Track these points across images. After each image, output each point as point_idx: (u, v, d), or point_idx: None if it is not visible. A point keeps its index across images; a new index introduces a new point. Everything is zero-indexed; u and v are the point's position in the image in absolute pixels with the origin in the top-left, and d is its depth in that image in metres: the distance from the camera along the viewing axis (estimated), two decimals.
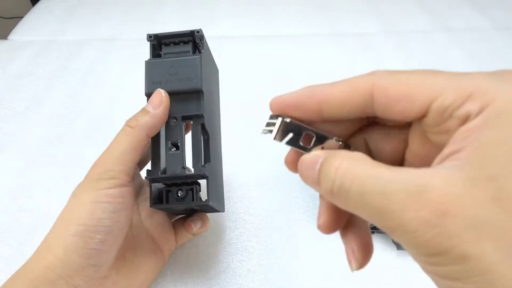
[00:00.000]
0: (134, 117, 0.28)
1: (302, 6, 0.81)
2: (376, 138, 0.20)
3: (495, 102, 0.15)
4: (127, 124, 0.28)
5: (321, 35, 0.71)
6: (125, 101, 0.57)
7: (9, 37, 0.74)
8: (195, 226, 0.33)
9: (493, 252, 0.13)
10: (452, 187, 0.14)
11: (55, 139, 0.51)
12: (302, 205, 0.41)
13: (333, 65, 0.64)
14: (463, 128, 0.15)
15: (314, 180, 0.17)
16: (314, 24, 0.75)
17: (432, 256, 0.14)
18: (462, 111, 0.15)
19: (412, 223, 0.14)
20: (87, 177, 0.27)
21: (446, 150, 0.15)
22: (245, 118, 0.49)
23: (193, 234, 0.34)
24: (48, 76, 0.62)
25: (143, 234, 0.31)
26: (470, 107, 0.15)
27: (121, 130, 0.28)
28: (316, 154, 0.18)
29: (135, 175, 0.30)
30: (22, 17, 0.81)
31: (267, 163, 0.45)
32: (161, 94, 0.28)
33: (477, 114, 0.15)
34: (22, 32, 0.76)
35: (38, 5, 0.85)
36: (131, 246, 0.30)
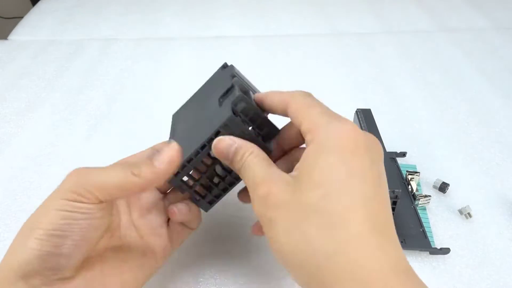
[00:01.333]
0: (140, 165, 0.27)
1: (302, 6, 0.81)
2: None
3: (318, 136, 0.24)
4: (131, 169, 0.26)
5: (321, 35, 0.71)
6: (125, 101, 0.57)
7: (9, 37, 0.75)
8: (180, 212, 0.31)
9: (279, 220, 0.23)
10: (282, 184, 0.24)
11: (55, 139, 0.51)
12: None
13: (333, 65, 0.64)
14: (304, 151, 0.24)
15: (228, 157, 0.27)
16: (314, 24, 0.75)
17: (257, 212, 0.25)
18: (306, 140, 0.25)
19: (256, 196, 0.25)
20: (60, 184, 0.27)
21: (296, 164, 0.25)
22: None
23: (181, 222, 0.33)
24: (48, 76, 0.62)
25: (132, 234, 0.31)
26: (307, 138, 0.24)
27: (120, 167, 0.27)
28: (232, 138, 0.27)
29: None
30: (22, 17, 0.81)
31: None
32: (173, 151, 0.27)
33: (309, 143, 0.24)
34: (22, 32, 0.76)
35: (38, 5, 0.86)
36: (114, 246, 0.30)
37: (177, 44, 0.69)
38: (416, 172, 0.41)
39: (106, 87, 0.60)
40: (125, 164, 0.27)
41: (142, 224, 0.32)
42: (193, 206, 0.32)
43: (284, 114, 0.28)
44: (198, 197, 0.32)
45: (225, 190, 0.31)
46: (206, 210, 0.33)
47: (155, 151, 0.27)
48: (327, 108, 0.26)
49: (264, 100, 0.29)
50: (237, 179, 0.30)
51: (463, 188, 0.43)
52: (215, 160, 0.30)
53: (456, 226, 0.39)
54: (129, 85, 0.60)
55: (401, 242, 0.36)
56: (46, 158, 0.48)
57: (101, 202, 0.26)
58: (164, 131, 0.52)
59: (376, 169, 0.23)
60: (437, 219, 0.40)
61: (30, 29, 0.77)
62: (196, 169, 0.30)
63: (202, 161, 0.29)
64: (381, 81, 0.60)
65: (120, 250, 0.30)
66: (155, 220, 0.32)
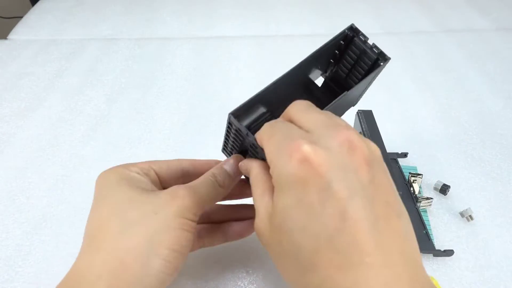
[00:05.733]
0: (221, 175, 0.28)
1: (302, 6, 0.81)
2: None
3: (273, 176, 0.22)
4: (217, 180, 0.28)
5: (322, 36, 0.71)
6: (125, 101, 0.57)
7: (9, 36, 0.74)
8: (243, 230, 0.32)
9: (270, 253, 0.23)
10: (264, 218, 0.23)
11: (54, 139, 0.50)
12: None
13: None
14: None
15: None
16: (314, 25, 0.75)
17: None
18: None
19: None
20: (173, 200, 0.25)
21: None
22: None
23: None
24: (48, 76, 0.62)
25: None
26: (271, 172, 0.22)
27: (210, 180, 0.28)
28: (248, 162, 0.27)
29: None
30: (22, 17, 0.81)
31: None
32: (239, 160, 0.29)
33: (272, 178, 0.22)
34: (22, 32, 0.76)
35: (38, 5, 0.85)
36: None
37: (177, 44, 0.69)
38: (419, 174, 0.41)
39: (106, 87, 0.60)
40: (208, 176, 0.28)
41: None
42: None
43: None
44: None
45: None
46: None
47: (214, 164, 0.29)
48: (287, 132, 0.22)
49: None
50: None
51: (464, 190, 0.43)
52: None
53: (457, 228, 0.39)
54: (129, 85, 0.60)
55: None
56: (46, 158, 0.48)
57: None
58: (164, 131, 0.51)
59: (341, 192, 0.19)
60: (438, 221, 0.40)
61: (30, 28, 0.77)
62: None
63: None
64: (382, 81, 0.60)
65: None
66: None
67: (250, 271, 0.36)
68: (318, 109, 0.24)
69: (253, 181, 0.25)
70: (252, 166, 0.26)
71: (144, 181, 0.27)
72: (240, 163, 0.28)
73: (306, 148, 0.20)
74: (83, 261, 0.24)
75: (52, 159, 0.48)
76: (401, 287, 0.18)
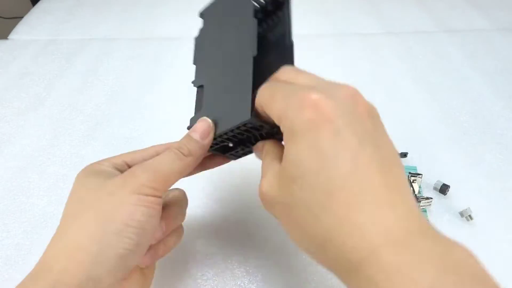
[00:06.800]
0: (185, 145, 0.28)
1: (303, 6, 0.81)
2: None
3: (285, 124, 0.22)
4: (180, 151, 0.27)
5: (322, 36, 0.71)
6: (125, 101, 0.57)
7: (10, 36, 0.74)
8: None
9: (278, 217, 0.24)
10: (271, 178, 0.24)
11: (55, 139, 0.51)
12: None
13: (334, 66, 0.64)
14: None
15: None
16: (315, 25, 0.75)
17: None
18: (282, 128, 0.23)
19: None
20: (129, 179, 0.26)
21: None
22: None
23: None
24: (48, 76, 0.62)
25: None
26: (281, 127, 0.23)
27: (172, 153, 0.27)
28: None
29: None
30: (22, 17, 0.81)
31: None
32: (207, 123, 0.28)
33: (283, 132, 0.23)
34: (23, 32, 0.76)
35: (38, 5, 0.85)
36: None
37: (177, 44, 0.69)
38: (419, 174, 0.41)
39: (106, 87, 0.60)
40: (169, 149, 0.28)
41: None
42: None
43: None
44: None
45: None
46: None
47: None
48: (290, 87, 0.23)
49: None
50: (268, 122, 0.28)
51: (464, 190, 0.43)
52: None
53: (457, 228, 0.39)
54: (129, 85, 0.60)
55: None
56: (46, 158, 0.48)
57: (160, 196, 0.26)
58: (163, 131, 0.51)
59: (355, 131, 0.20)
60: (438, 221, 0.40)
61: (30, 28, 0.77)
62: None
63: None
64: (382, 81, 0.60)
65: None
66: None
67: (250, 271, 0.36)
68: (310, 72, 0.25)
69: (266, 150, 0.26)
70: (264, 143, 0.27)
71: (113, 173, 0.28)
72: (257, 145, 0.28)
73: (316, 96, 0.21)
74: (46, 251, 0.25)
75: (52, 159, 0.48)
76: (411, 223, 0.20)
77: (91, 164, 0.29)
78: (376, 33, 0.73)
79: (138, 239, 0.25)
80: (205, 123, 0.28)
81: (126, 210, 0.24)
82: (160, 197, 0.26)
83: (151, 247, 0.29)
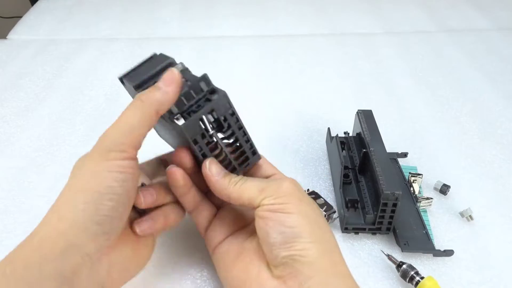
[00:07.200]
0: (146, 92, 0.28)
1: (302, 6, 0.81)
2: None
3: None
4: (139, 97, 0.28)
5: (322, 36, 0.71)
6: (125, 101, 0.57)
7: (9, 36, 0.74)
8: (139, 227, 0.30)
9: None
10: None
11: (54, 139, 0.50)
12: None
13: (334, 66, 0.64)
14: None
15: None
16: (314, 25, 0.75)
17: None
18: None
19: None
20: (95, 149, 0.27)
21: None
22: (245, 118, 0.49)
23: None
24: (48, 76, 0.62)
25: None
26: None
27: (130, 104, 0.28)
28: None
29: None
30: (21, 17, 0.81)
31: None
32: (173, 72, 0.28)
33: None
34: (22, 31, 0.76)
35: (37, 4, 0.85)
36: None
37: (177, 44, 0.69)
38: (419, 174, 0.41)
39: (106, 87, 0.60)
40: (135, 104, 0.28)
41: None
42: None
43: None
44: (246, 163, 0.32)
45: (245, 132, 0.31)
46: (260, 157, 0.33)
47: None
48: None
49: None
50: (237, 119, 0.30)
51: (464, 190, 0.43)
52: (212, 136, 0.30)
53: (457, 228, 0.39)
54: None
55: (404, 244, 0.36)
56: (46, 158, 0.48)
57: (135, 156, 0.27)
58: None
59: None
60: (438, 221, 0.40)
61: (30, 28, 0.77)
62: (216, 155, 0.30)
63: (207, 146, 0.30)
64: (382, 81, 0.60)
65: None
66: None
67: None
68: None
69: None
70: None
71: None
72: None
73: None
74: (37, 226, 0.26)
75: (52, 159, 0.48)
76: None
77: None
78: (376, 33, 0.73)
79: (113, 204, 0.25)
80: (170, 72, 0.28)
81: (98, 178, 0.25)
82: (132, 159, 0.27)
83: (148, 215, 0.30)
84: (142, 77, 0.30)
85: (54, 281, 0.24)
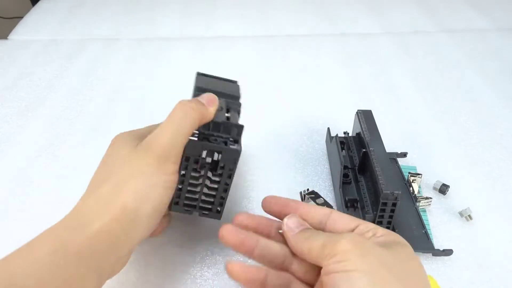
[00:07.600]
0: (195, 100, 0.30)
1: (303, 6, 0.81)
2: None
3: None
4: (190, 105, 0.29)
5: (322, 36, 0.71)
6: (125, 101, 0.57)
7: (10, 37, 0.74)
8: None
9: None
10: None
11: (55, 139, 0.51)
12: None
13: (334, 66, 0.64)
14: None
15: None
16: (315, 25, 0.75)
17: None
18: None
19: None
20: (148, 146, 0.28)
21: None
22: (245, 118, 0.49)
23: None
24: (48, 76, 0.62)
25: None
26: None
27: (180, 111, 0.29)
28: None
29: None
30: (22, 17, 0.81)
31: (265, 164, 0.45)
32: (214, 96, 0.31)
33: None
34: (23, 32, 0.76)
35: (38, 5, 0.85)
36: None
37: (177, 44, 0.69)
38: (418, 174, 0.41)
39: (106, 87, 0.60)
40: (180, 103, 0.29)
41: None
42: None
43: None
44: (206, 211, 0.33)
45: (226, 190, 0.32)
46: (219, 218, 0.33)
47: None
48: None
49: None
50: (230, 176, 0.31)
51: (463, 190, 0.43)
52: (203, 168, 0.31)
53: (457, 228, 0.39)
54: (129, 85, 0.60)
55: None
56: (46, 158, 0.48)
57: None
58: None
59: None
60: (437, 221, 0.40)
61: (30, 29, 0.77)
62: (192, 184, 0.31)
63: (195, 174, 0.31)
64: (382, 81, 0.60)
65: None
66: None
67: None
68: None
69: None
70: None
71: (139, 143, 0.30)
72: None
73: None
74: (86, 205, 0.27)
75: (52, 159, 0.48)
76: None
77: (122, 134, 0.32)
78: (376, 33, 0.73)
79: (159, 219, 0.28)
80: (211, 94, 0.30)
81: (157, 193, 0.27)
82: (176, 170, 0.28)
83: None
84: (209, 86, 0.33)
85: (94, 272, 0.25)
